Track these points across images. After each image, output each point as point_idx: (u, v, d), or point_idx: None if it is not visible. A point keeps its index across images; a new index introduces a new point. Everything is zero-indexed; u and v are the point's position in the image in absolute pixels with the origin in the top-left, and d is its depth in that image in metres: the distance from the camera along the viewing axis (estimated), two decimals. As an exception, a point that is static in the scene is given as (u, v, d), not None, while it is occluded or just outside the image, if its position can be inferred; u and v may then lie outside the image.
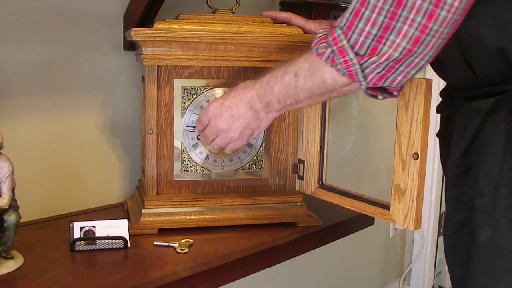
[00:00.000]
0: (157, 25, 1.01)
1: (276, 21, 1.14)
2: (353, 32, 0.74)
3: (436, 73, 0.98)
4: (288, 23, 1.14)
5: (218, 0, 1.14)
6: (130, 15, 1.18)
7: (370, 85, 0.77)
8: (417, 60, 0.73)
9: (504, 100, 0.84)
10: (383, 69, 0.75)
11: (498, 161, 0.85)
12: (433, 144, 2.27)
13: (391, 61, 0.73)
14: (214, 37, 1.03)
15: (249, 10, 1.28)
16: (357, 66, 0.75)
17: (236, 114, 0.93)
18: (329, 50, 0.77)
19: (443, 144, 1.06)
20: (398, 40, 0.72)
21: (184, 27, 1.02)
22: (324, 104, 1.07)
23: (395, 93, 0.81)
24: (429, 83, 0.86)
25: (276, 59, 1.08)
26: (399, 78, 0.76)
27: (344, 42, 0.75)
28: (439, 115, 1.08)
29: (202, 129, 1.00)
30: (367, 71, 0.75)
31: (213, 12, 1.13)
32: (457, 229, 0.97)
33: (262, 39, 1.05)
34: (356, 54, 0.75)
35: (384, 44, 0.73)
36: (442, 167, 1.08)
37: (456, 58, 0.87)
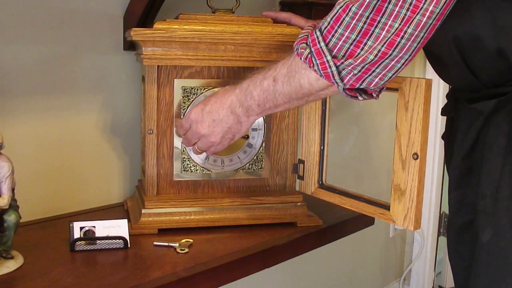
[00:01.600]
0: (157, 25, 1.01)
1: (276, 21, 1.14)
2: (333, 36, 0.76)
3: (439, 76, 0.98)
4: (288, 23, 1.14)
5: (218, 0, 1.14)
6: (130, 15, 1.18)
7: (347, 86, 0.79)
8: (392, 62, 0.75)
9: (505, 101, 0.85)
10: (359, 71, 0.76)
11: (500, 162, 0.85)
12: (433, 144, 2.27)
13: (366, 63, 0.75)
14: (214, 37, 1.03)
15: (249, 10, 1.27)
16: (334, 68, 0.77)
17: (218, 119, 0.95)
18: (307, 50, 0.79)
19: (448, 146, 1.07)
20: (374, 45, 0.74)
21: (184, 27, 1.02)
22: (324, 104, 1.07)
23: (374, 95, 0.83)
24: (428, 83, 0.86)
25: (276, 59, 1.07)
26: (376, 80, 0.77)
27: (322, 44, 0.77)
28: (440, 116, 1.08)
29: (184, 133, 1.01)
30: (343, 72, 0.77)
31: (213, 12, 1.13)
32: (460, 230, 0.97)
33: (262, 39, 1.05)
34: (334, 56, 0.77)
35: (362, 48, 0.75)
36: (447, 169, 1.08)
37: (456, 62, 0.87)
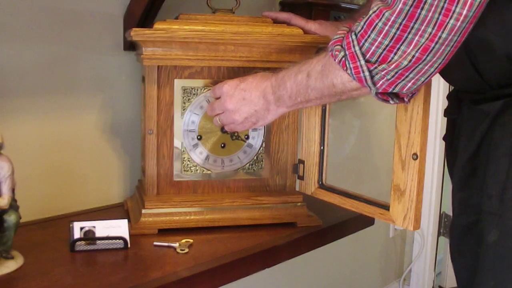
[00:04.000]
0: (157, 25, 1.01)
1: (276, 21, 1.14)
2: (366, 40, 0.76)
3: (443, 77, 0.98)
4: (288, 24, 1.14)
5: (218, 0, 1.14)
6: (130, 15, 1.18)
7: (380, 91, 0.79)
8: (426, 67, 0.75)
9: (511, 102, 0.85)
10: (392, 76, 0.76)
11: (506, 163, 0.85)
12: (433, 145, 2.27)
13: (400, 69, 0.75)
14: (214, 37, 1.03)
15: (249, 10, 1.27)
16: (367, 73, 0.77)
17: (248, 99, 0.95)
18: (342, 53, 0.79)
19: (450, 147, 1.06)
20: (408, 50, 0.74)
21: (184, 27, 1.02)
22: (324, 105, 1.07)
23: (406, 99, 0.83)
24: (428, 83, 0.86)
25: (276, 59, 1.08)
26: (409, 84, 0.77)
27: (357, 48, 0.77)
28: (440, 116, 1.08)
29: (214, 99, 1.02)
30: (376, 77, 0.77)
31: (213, 12, 1.13)
32: (464, 231, 0.97)
33: (262, 39, 1.05)
34: (367, 61, 0.77)
35: (395, 53, 0.75)
36: (449, 170, 1.08)
37: (463, 63, 0.87)
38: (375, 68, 0.77)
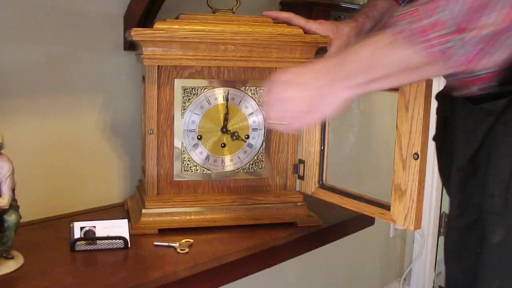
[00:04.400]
0: (157, 25, 1.01)
1: (276, 21, 1.14)
2: (436, 12, 0.69)
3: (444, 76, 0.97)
4: (288, 23, 1.14)
5: (218, 0, 1.14)
6: (130, 15, 1.18)
7: (453, 66, 0.72)
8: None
9: None
10: (467, 50, 0.69)
11: (509, 162, 0.83)
12: (434, 144, 2.27)
13: (481, 38, 0.68)
14: (215, 37, 1.03)
15: (249, 10, 1.27)
16: (438, 47, 0.70)
17: (306, 82, 0.83)
18: (410, 27, 0.72)
19: (441, 147, 1.05)
20: (487, 18, 0.66)
21: (185, 27, 1.02)
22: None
23: (486, 84, 0.76)
24: (429, 83, 0.86)
25: (276, 59, 1.08)
26: (495, 55, 0.69)
27: (425, 21, 0.70)
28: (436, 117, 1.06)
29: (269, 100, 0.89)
30: (452, 50, 0.69)
31: (214, 12, 1.13)
32: (463, 232, 0.96)
33: (263, 39, 1.05)
34: (439, 34, 0.69)
35: (471, 22, 0.67)
36: (441, 171, 1.07)
37: None
38: (450, 40, 0.69)
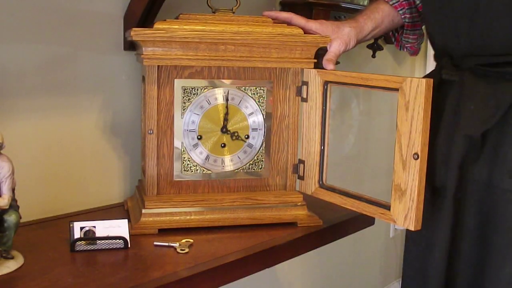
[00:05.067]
0: (157, 25, 1.01)
1: (276, 21, 1.14)
2: None
3: (448, 43, 0.90)
4: (288, 23, 1.14)
5: (218, 0, 1.14)
6: (130, 15, 1.18)
7: None
8: None
9: None
10: None
11: None
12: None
13: None
14: (214, 37, 1.03)
15: (249, 10, 1.27)
16: None
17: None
18: None
19: (439, 116, 0.99)
20: None
21: (184, 27, 1.02)
22: (324, 104, 1.07)
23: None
24: (429, 83, 0.86)
25: (277, 59, 1.08)
26: None
27: None
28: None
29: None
30: None
31: (213, 12, 1.12)
32: (459, 209, 0.91)
33: (262, 39, 1.05)
34: None
35: None
36: (441, 140, 0.99)
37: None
38: None
